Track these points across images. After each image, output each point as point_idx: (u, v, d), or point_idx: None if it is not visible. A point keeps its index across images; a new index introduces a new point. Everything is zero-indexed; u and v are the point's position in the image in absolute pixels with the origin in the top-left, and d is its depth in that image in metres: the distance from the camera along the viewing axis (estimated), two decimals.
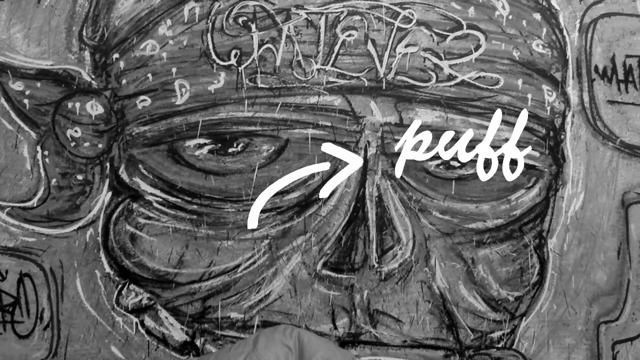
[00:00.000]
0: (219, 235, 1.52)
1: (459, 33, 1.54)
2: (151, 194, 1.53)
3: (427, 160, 1.53)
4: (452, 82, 1.53)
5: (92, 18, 1.54)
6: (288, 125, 1.52)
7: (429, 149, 1.52)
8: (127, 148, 1.53)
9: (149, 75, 1.52)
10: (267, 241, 1.52)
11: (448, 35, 1.53)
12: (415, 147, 1.52)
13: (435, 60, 1.53)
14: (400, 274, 1.53)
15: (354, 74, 1.52)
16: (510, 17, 1.54)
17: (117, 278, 1.54)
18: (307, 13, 1.52)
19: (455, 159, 1.54)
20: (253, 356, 1.20)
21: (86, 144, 1.53)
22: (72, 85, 1.53)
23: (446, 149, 1.53)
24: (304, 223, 1.52)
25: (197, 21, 1.52)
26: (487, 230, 1.55)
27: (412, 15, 1.53)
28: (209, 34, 1.52)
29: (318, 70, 1.52)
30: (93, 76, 1.53)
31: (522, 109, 1.54)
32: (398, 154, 1.53)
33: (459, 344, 1.55)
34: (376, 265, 1.52)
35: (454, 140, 1.53)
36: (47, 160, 1.53)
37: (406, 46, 1.53)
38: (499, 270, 1.56)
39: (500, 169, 1.55)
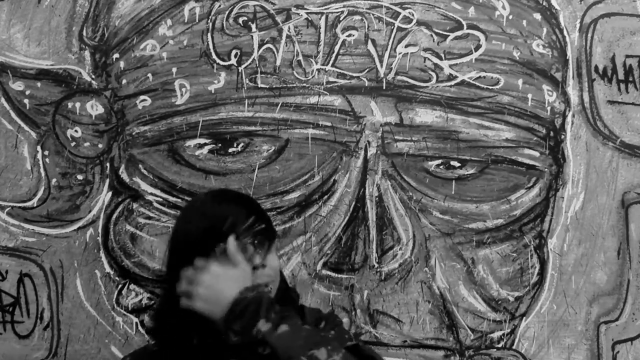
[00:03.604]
0: None
1: (459, 33, 1.54)
2: (151, 193, 1.53)
3: (428, 160, 1.53)
4: (452, 82, 1.53)
5: (92, 18, 1.54)
6: (288, 125, 1.52)
7: (430, 149, 1.53)
8: (127, 148, 1.53)
9: (149, 75, 1.52)
10: None
11: (448, 35, 1.53)
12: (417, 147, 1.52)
13: (436, 60, 1.53)
14: (400, 274, 1.53)
15: (354, 74, 1.52)
16: (511, 17, 1.54)
17: (117, 278, 1.54)
18: (307, 13, 1.52)
19: (455, 158, 1.54)
20: None
21: (86, 144, 1.53)
22: (72, 85, 1.53)
23: (447, 149, 1.53)
24: (304, 223, 1.52)
25: (197, 21, 1.52)
26: (487, 230, 1.55)
27: (412, 15, 1.53)
28: (209, 34, 1.52)
29: (318, 70, 1.52)
30: (93, 76, 1.53)
31: (522, 109, 1.55)
32: (399, 154, 1.53)
33: (459, 344, 1.55)
34: (376, 265, 1.52)
35: (454, 140, 1.53)
36: (47, 160, 1.53)
37: (406, 46, 1.53)
38: (499, 271, 1.56)
39: (500, 169, 1.55)
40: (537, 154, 1.56)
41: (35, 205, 1.53)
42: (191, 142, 1.52)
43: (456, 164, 1.54)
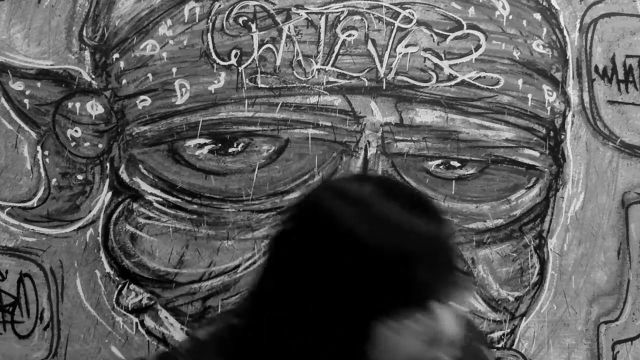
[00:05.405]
0: (219, 235, 1.52)
1: (459, 33, 1.54)
2: (151, 194, 1.53)
3: (428, 160, 1.53)
4: (453, 82, 1.53)
5: (92, 18, 1.53)
6: (288, 125, 1.52)
7: (430, 149, 1.53)
8: (127, 148, 1.53)
9: (149, 75, 1.52)
10: (268, 241, 1.52)
11: (448, 35, 1.53)
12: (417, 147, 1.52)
13: (436, 60, 1.53)
14: None
15: (354, 74, 1.52)
16: (511, 17, 1.54)
17: (117, 278, 1.54)
18: (307, 13, 1.52)
19: (455, 158, 1.54)
20: None
21: (86, 144, 1.53)
22: (72, 85, 1.53)
23: (447, 150, 1.53)
24: None
25: (197, 21, 1.52)
26: (487, 230, 1.55)
27: (413, 15, 1.53)
28: (209, 34, 1.52)
29: (318, 70, 1.52)
30: (93, 76, 1.53)
31: (522, 109, 1.55)
32: (399, 154, 1.53)
33: None
34: None
35: (454, 140, 1.53)
36: (47, 160, 1.53)
37: (406, 46, 1.53)
38: (499, 271, 1.56)
39: (500, 169, 1.55)
40: (537, 154, 1.56)
41: (35, 205, 1.53)
42: (191, 142, 1.52)
43: (456, 164, 1.54)
